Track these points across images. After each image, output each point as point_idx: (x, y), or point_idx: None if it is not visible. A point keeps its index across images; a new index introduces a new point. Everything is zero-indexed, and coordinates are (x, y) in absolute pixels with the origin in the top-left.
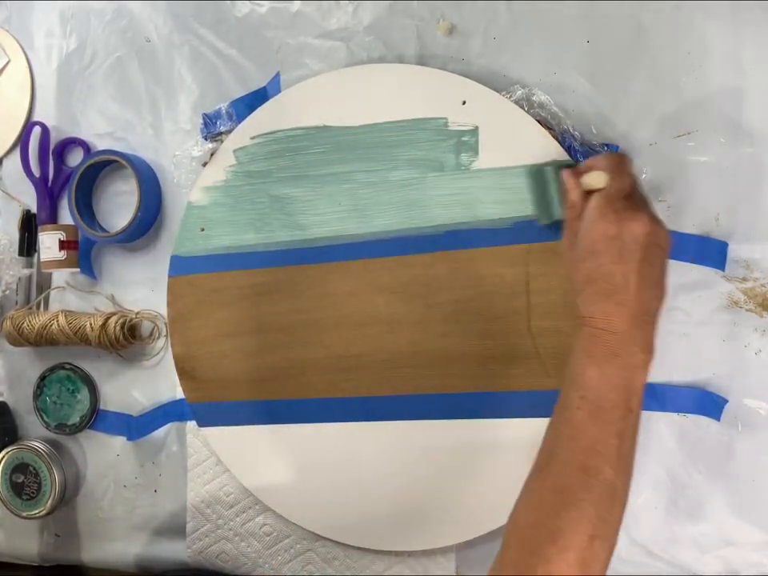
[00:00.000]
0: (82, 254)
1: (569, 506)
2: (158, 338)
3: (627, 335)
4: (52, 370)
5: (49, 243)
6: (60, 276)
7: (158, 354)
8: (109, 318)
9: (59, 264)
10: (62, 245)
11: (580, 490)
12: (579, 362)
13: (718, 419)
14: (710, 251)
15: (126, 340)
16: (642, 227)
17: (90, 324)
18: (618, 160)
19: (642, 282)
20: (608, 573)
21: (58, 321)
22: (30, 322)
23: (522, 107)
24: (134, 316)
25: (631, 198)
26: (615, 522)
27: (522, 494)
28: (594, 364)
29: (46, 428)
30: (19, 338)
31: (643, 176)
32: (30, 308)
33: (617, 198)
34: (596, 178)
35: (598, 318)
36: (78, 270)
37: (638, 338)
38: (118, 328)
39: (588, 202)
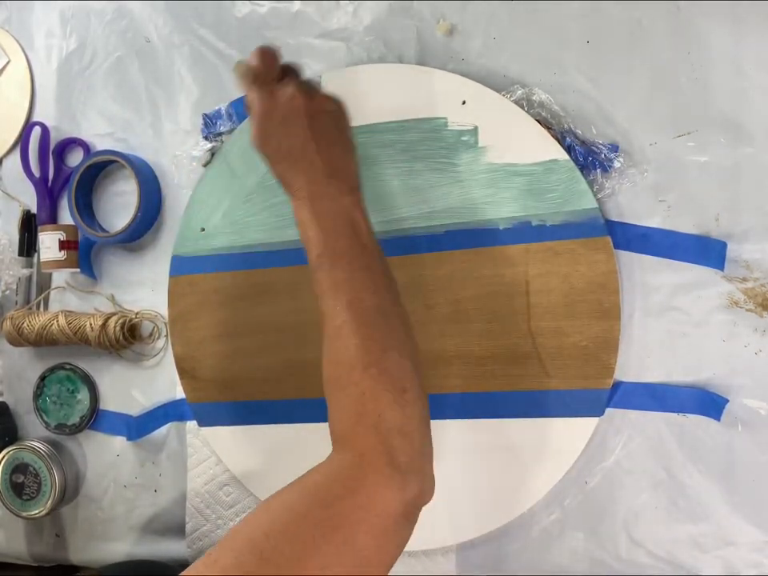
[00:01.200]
0: (82, 254)
1: (351, 336)
2: (158, 338)
3: (327, 192)
4: (52, 370)
5: (49, 243)
6: (60, 276)
7: (157, 354)
8: (109, 318)
9: (59, 264)
10: (62, 245)
11: (352, 321)
12: (302, 229)
13: (718, 419)
14: (709, 251)
15: (126, 340)
16: (294, 99)
17: (90, 324)
18: (262, 48)
19: (318, 146)
20: (608, 573)
21: (57, 321)
22: (29, 322)
23: (521, 107)
24: (133, 316)
25: (285, 79)
26: (401, 337)
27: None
28: (312, 225)
29: (46, 428)
30: (19, 338)
31: (644, 174)
32: (30, 308)
33: (266, 81)
34: (240, 66)
35: (296, 189)
36: (78, 270)
37: (339, 190)
38: (117, 328)
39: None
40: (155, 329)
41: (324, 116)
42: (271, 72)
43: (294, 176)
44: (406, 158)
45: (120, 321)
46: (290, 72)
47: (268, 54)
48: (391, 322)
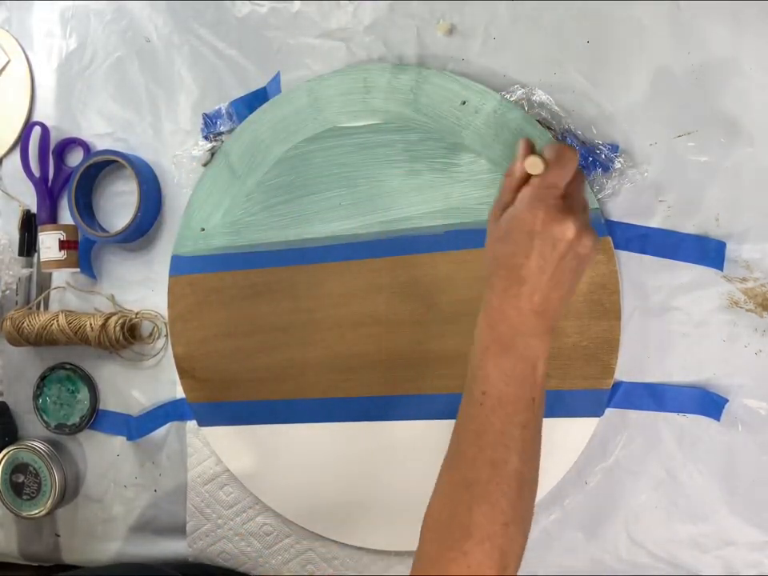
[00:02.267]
0: (82, 253)
1: (480, 500)
2: (158, 338)
3: (522, 329)
4: (52, 369)
5: (49, 243)
6: (60, 276)
7: (157, 354)
8: (109, 318)
9: (59, 264)
10: (62, 245)
11: (489, 483)
12: (478, 356)
13: (718, 419)
14: (708, 251)
15: (126, 340)
16: (566, 233)
17: (90, 324)
18: (563, 152)
19: (549, 283)
20: (608, 573)
21: (57, 321)
22: (29, 321)
23: (522, 107)
24: (133, 316)
25: (569, 198)
26: (526, 507)
27: (435, 491)
28: (490, 357)
29: (46, 428)
30: (19, 338)
31: (645, 174)
32: (30, 308)
33: (552, 192)
34: (533, 164)
35: (494, 307)
36: (78, 269)
37: (535, 331)
38: (117, 328)
39: (526, 184)
40: (155, 329)
41: (577, 259)
42: (560, 186)
43: (502, 291)
44: (406, 158)
45: (120, 321)
46: (574, 183)
47: (569, 163)
48: (524, 493)
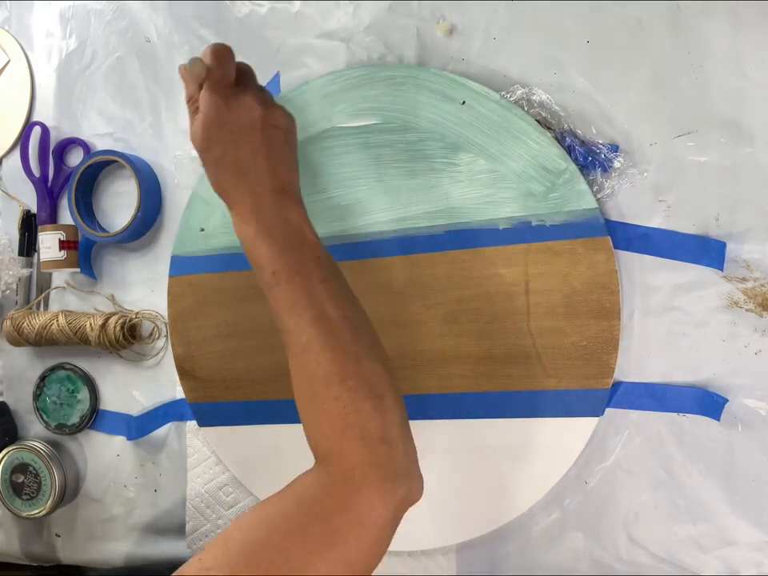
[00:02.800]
0: (82, 254)
1: (321, 354)
2: (158, 338)
3: (274, 207)
4: (52, 370)
5: (49, 243)
6: (60, 276)
7: (157, 354)
8: (109, 318)
9: (59, 264)
10: (62, 245)
11: (319, 336)
12: (250, 247)
13: (718, 419)
14: (708, 251)
15: (126, 340)
16: (252, 111)
17: (90, 324)
18: (217, 48)
19: (268, 161)
20: (608, 573)
21: (57, 321)
22: (29, 322)
23: (522, 107)
24: (133, 316)
25: (243, 86)
26: (370, 342)
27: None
28: (261, 242)
29: (46, 428)
30: (19, 338)
31: (644, 174)
32: (30, 308)
33: (222, 85)
34: (196, 68)
35: (239, 203)
36: (78, 269)
37: (285, 205)
38: (117, 328)
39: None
40: (155, 329)
41: (276, 130)
42: (228, 75)
43: (237, 188)
44: (406, 158)
45: (120, 321)
46: (244, 76)
47: (225, 55)
48: (358, 330)
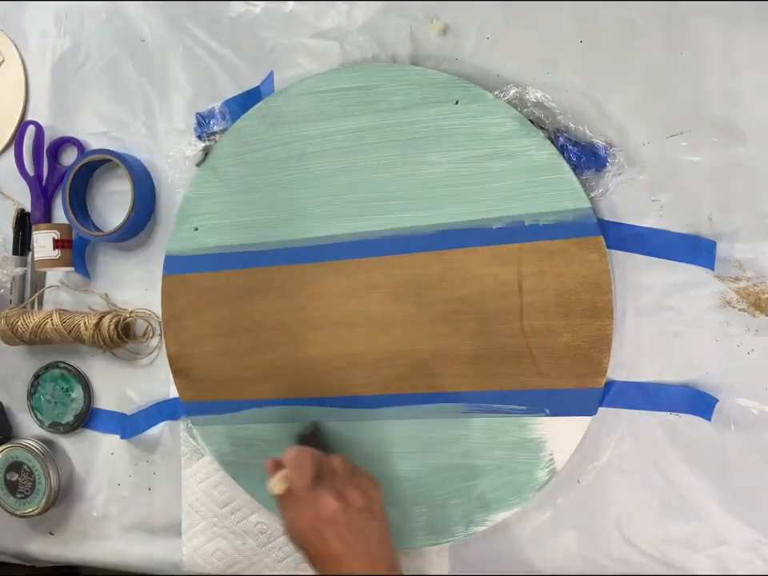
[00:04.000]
0: (76, 252)
1: None
2: (152, 336)
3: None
4: (46, 368)
5: (43, 242)
6: (54, 275)
7: (151, 353)
8: (103, 317)
9: (53, 263)
10: (56, 244)
11: None
12: None
13: (709, 419)
14: (699, 250)
15: (120, 339)
16: (329, 506)
17: (84, 323)
18: (294, 455)
19: (357, 546)
20: (601, 572)
21: (52, 320)
22: (24, 320)
23: (515, 107)
24: (127, 315)
25: (319, 479)
26: None
27: None
28: None
29: (40, 426)
30: (13, 337)
31: (638, 174)
32: (24, 307)
33: (301, 488)
34: (275, 487)
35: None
36: (72, 268)
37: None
38: (111, 327)
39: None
40: (149, 328)
41: (358, 513)
42: (306, 483)
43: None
44: (400, 159)
45: (114, 320)
46: (323, 468)
47: (303, 465)
48: None
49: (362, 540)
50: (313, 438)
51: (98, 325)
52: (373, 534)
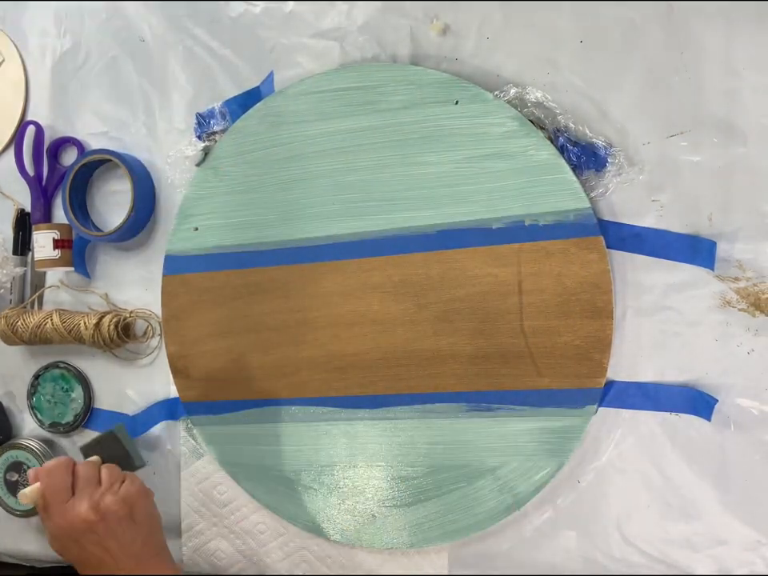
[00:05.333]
0: (76, 252)
1: None
2: (152, 336)
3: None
4: (46, 368)
5: (43, 242)
6: (54, 275)
7: (152, 353)
8: (103, 317)
9: (53, 263)
10: (56, 244)
11: None
12: None
13: (709, 419)
14: (699, 250)
15: (120, 339)
16: (81, 515)
17: (84, 323)
18: (48, 468)
19: (120, 548)
20: (601, 572)
21: (52, 320)
22: (24, 321)
23: (515, 107)
24: (127, 315)
25: (77, 491)
26: None
27: None
28: None
29: (40, 426)
30: (13, 337)
31: (638, 174)
32: (24, 307)
33: (55, 502)
34: (26, 496)
35: None
36: (72, 268)
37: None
38: (111, 327)
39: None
40: (149, 327)
41: (116, 517)
42: (60, 495)
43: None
44: (399, 159)
45: (114, 320)
46: (78, 479)
47: (57, 476)
48: None
49: (124, 544)
50: (97, 446)
51: (98, 325)
52: (135, 538)
